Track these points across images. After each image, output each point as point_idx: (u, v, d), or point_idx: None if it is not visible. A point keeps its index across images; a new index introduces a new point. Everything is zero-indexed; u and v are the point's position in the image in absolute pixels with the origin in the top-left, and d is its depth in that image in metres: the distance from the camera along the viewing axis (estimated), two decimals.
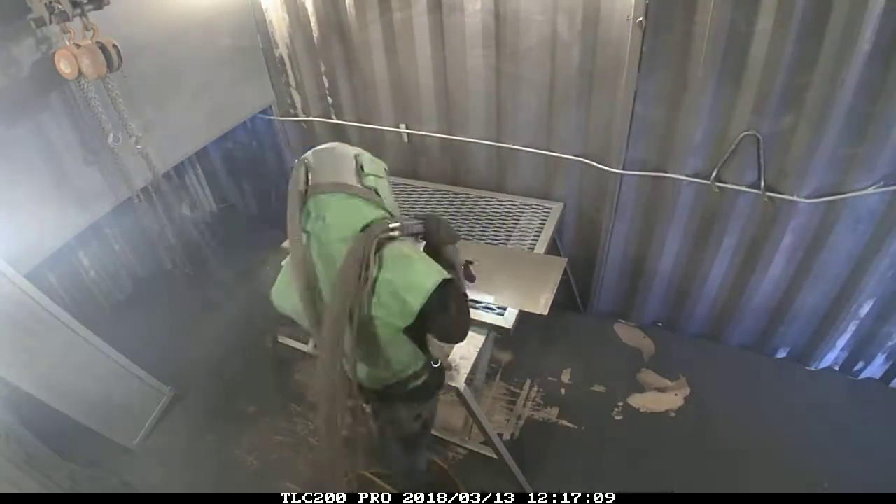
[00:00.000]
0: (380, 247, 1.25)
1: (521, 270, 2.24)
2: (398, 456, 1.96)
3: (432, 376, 1.56)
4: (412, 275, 1.25)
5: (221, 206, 4.22)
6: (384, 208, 1.34)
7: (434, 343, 1.49)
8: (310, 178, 1.29)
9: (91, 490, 2.25)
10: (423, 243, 1.45)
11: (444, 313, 1.30)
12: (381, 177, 1.36)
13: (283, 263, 1.42)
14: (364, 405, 1.60)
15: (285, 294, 1.39)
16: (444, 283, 1.25)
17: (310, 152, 1.34)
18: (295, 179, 1.29)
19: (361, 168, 1.32)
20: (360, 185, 1.30)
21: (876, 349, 2.51)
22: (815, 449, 2.34)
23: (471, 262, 1.69)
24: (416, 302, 1.23)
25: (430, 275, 1.25)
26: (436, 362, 1.56)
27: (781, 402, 2.57)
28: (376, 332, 1.31)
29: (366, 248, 1.20)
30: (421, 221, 1.38)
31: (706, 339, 2.90)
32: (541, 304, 2.04)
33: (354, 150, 1.37)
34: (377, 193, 1.33)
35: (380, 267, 1.24)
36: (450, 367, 1.85)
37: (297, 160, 1.34)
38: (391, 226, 1.27)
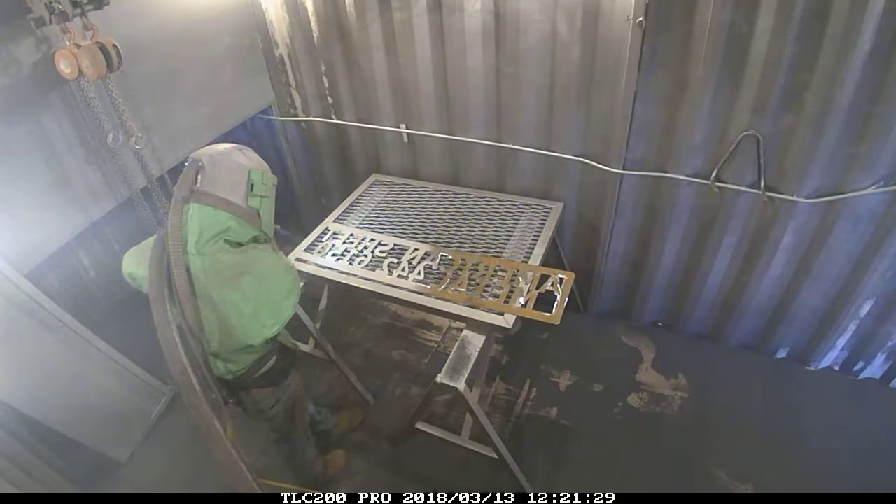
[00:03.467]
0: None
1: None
2: (280, 448, 2.01)
3: (280, 359, 1.65)
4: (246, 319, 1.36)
5: None
6: (260, 230, 1.43)
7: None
8: (199, 179, 1.33)
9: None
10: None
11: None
12: (266, 196, 1.42)
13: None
14: (226, 398, 1.62)
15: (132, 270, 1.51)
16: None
17: (207, 154, 1.37)
18: (185, 178, 1.33)
19: (252, 188, 1.37)
20: (243, 206, 1.36)
21: (876, 349, 2.51)
22: (815, 449, 2.34)
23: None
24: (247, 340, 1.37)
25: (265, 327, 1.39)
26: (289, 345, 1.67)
27: (781, 402, 2.57)
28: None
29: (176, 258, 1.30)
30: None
31: (706, 339, 2.90)
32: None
33: (250, 163, 1.41)
34: (258, 214, 1.41)
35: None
36: (296, 348, 1.86)
37: (191, 157, 1.36)
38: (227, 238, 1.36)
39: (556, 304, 2.03)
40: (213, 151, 1.39)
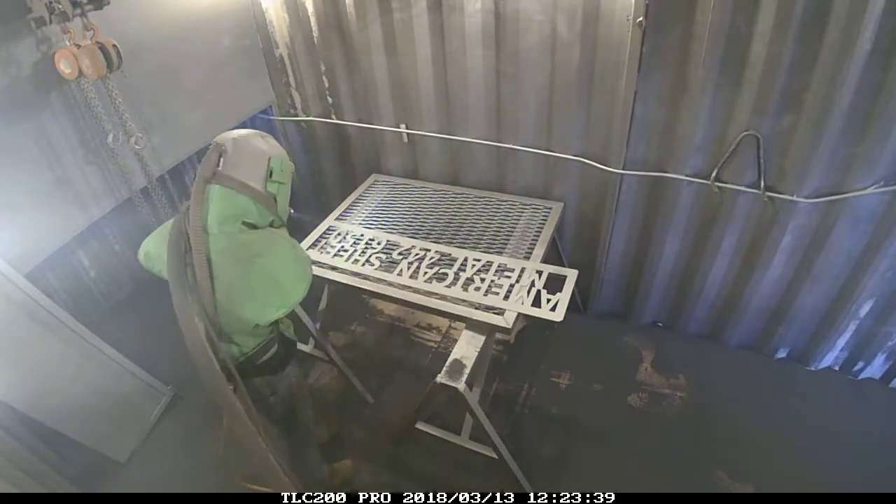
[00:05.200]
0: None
1: None
2: (281, 445, 1.97)
3: (281, 347, 1.69)
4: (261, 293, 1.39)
5: None
6: (276, 215, 1.49)
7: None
8: (221, 163, 1.38)
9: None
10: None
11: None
12: (283, 183, 1.49)
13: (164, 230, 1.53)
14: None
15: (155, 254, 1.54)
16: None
17: (230, 138, 1.42)
18: (208, 160, 1.38)
19: (271, 174, 1.44)
20: (262, 191, 1.43)
21: (876, 349, 2.51)
22: (815, 449, 2.34)
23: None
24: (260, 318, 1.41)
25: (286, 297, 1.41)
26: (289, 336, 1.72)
27: (781, 402, 2.57)
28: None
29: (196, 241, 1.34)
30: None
31: (706, 339, 2.90)
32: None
33: (271, 149, 1.47)
34: (275, 200, 1.48)
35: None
36: (295, 339, 1.90)
37: (214, 141, 1.41)
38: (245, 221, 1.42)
39: (558, 301, 2.03)
40: (236, 136, 1.44)
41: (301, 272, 1.45)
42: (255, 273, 1.38)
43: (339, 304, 2.90)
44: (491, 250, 2.42)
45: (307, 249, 2.50)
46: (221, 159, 1.38)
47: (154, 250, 1.54)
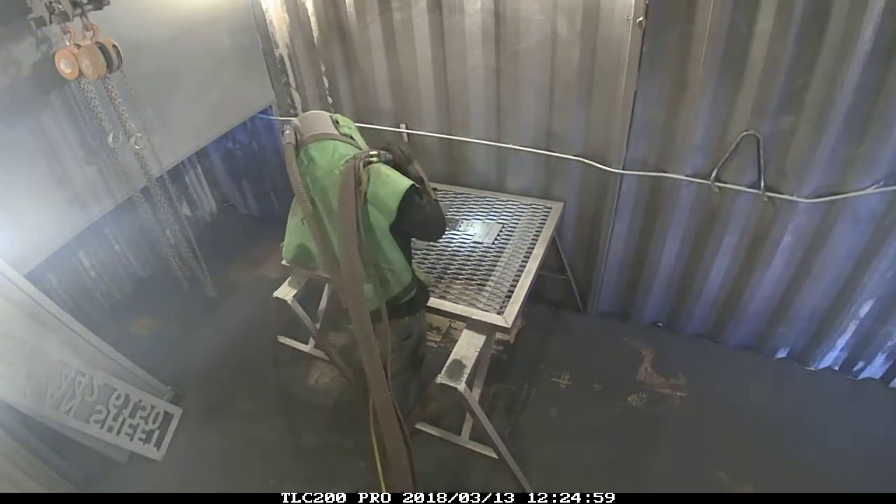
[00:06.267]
0: (364, 167, 1.65)
1: None
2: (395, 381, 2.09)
3: (419, 292, 1.91)
4: (390, 184, 1.64)
5: (221, 206, 4.23)
6: (359, 147, 1.77)
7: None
8: (298, 136, 1.69)
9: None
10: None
11: (418, 211, 1.70)
12: (351, 128, 1.82)
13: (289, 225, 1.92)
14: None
15: (293, 245, 1.93)
16: (412, 187, 1.66)
17: (295, 119, 1.76)
18: (287, 137, 1.69)
19: (337, 122, 1.77)
20: (337, 133, 1.74)
21: (876, 349, 2.51)
22: (815, 449, 2.34)
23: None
24: (394, 201, 1.62)
25: (401, 182, 1.65)
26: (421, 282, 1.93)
27: (781, 402, 2.57)
28: (374, 235, 1.68)
29: (356, 168, 1.59)
30: (386, 150, 1.78)
31: (706, 339, 2.90)
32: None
33: (332, 115, 1.81)
34: (352, 138, 1.78)
35: (368, 182, 1.62)
36: (432, 286, 2.12)
37: (287, 125, 1.73)
38: (371, 153, 1.70)
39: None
40: (299, 117, 1.80)
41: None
42: (386, 182, 1.64)
43: (339, 304, 2.90)
44: (491, 250, 2.43)
45: None
46: (297, 134, 1.69)
47: (304, 243, 1.89)
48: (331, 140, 1.70)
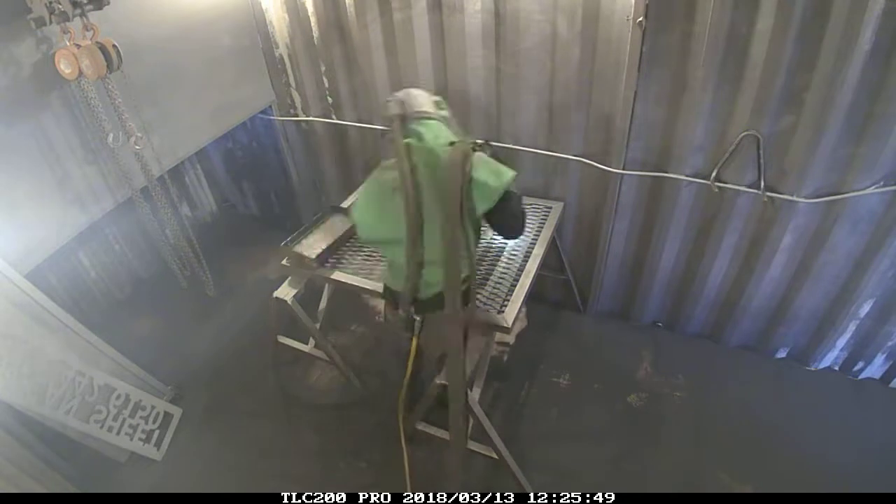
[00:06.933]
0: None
1: None
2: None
3: (470, 287, 1.87)
4: (499, 171, 1.66)
5: (221, 206, 4.23)
6: (454, 131, 1.80)
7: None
8: (403, 110, 1.72)
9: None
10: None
11: (517, 201, 1.74)
12: (447, 110, 1.85)
13: (364, 190, 1.88)
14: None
15: (368, 213, 1.82)
16: (514, 177, 1.68)
17: (399, 93, 1.79)
18: (394, 108, 1.73)
19: (438, 103, 1.82)
20: (440, 114, 1.79)
21: (876, 349, 2.51)
22: (815, 449, 2.34)
23: None
24: (501, 185, 1.63)
25: (508, 171, 1.67)
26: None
27: (781, 402, 2.57)
28: (467, 219, 1.66)
29: (465, 152, 1.60)
30: (487, 142, 1.80)
31: (706, 339, 2.90)
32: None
33: (433, 95, 1.85)
34: (447, 122, 1.81)
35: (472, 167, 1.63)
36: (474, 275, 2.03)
37: (391, 97, 1.77)
38: (477, 141, 1.72)
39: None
40: (403, 91, 1.80)
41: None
42: (479, 160, 1.65)
43: (339, 304, 2.90)
44: (491, 250, 2.43)
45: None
46: (404, 108, 1.71)
47: (376, 221, 1.82)
48: (434, 120, 1.75)
